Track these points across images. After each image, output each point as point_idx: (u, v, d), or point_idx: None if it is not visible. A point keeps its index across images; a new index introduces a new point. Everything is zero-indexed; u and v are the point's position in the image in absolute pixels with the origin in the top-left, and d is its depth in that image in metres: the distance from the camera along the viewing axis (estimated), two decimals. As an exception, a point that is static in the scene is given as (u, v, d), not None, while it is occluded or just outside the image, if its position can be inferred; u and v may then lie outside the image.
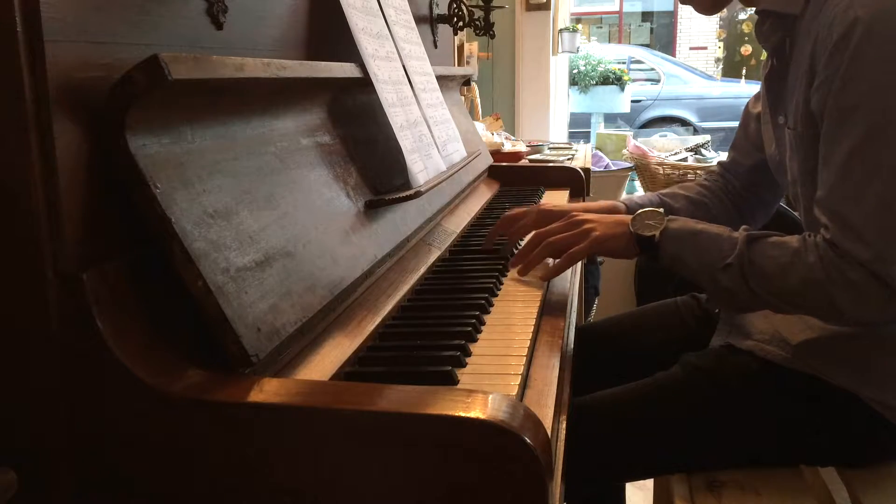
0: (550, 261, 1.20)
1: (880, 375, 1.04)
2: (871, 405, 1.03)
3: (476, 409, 0.59)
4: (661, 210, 1.12)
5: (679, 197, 1.37)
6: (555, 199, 1.83)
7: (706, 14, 1.19)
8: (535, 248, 1.16)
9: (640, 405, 1.11)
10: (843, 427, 1.06)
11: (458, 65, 2.88)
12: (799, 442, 1.08)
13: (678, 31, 13.71)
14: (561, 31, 5.24)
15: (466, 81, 2.26)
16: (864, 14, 0.91)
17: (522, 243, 1.25)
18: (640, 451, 1.11)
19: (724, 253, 1.02)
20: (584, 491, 1.29)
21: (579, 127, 7.11)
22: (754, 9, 1.11)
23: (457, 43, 2.71)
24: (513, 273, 1.20)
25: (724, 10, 1.25)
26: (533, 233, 1.20)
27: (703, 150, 3.41)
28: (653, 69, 9.44)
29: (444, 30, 1.99)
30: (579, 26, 5.89)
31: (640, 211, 1.13)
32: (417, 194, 1.11)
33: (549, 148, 3.16)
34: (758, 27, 1.11)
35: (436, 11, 1.90)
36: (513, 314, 1.02)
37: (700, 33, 13.08)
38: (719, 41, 11.72)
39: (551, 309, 1.08)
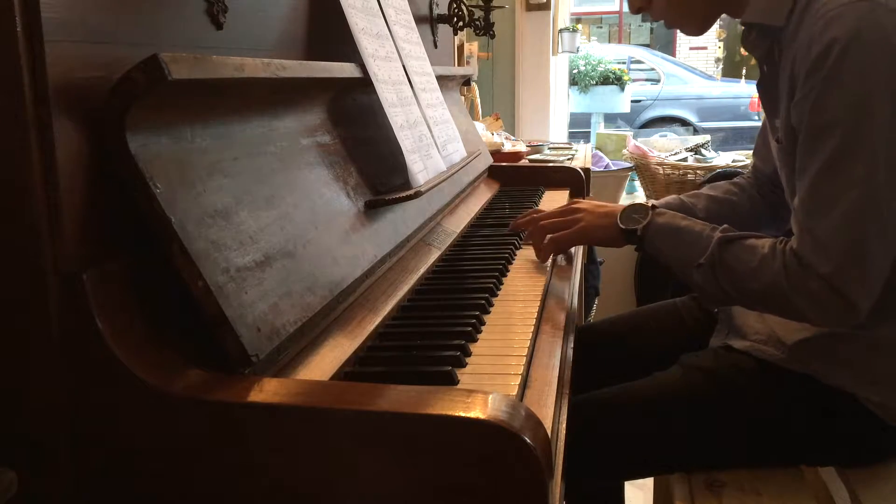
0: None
1: (876, 376, 1.04)
2: (868, 405, 1.04)
3: (476, 409, 0.59)
4: (649, 205, 1.16)
5: (702, 197, 1.38)
6: (555, 199, 1.83)
7: (693, 36, 1.20)
8: (528, 229, 1.28)
9: (639, 404, 1.12)
10: (840, 427, 1.06)
11: (458, 65, 2.87)
12: (796, 441, 1.08)
13: (678, 31, 13.68)
14: (561, 31, 5.24)
15: (466, 81, 2.26)
16: (840, 35, 0.92)
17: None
18: (639, 449, 1.11)
19: (700, 251, 1.05)
20: (583, 490, 1.29)
21: (579, 127, 7.10)
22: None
23: (457, 43, 2.71)
24: (513, 273, 1.21)
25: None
26: (530, 217, 1.31)
27: (703, 150, 3.41)
28: (653, 69, 9.42)
29: (444, 30, 1.99)
30: (579, 26, 5.87)
31: (629, 204, 1.18)
32: (417, 194, 1.11)
33: (549, 148, 3.16)
34: (745, 37, 1.13)
35: (436, 11, 1.90)
36: (513, 314, 1.02)
37: (700, 33, 13.04)
38: (719, 41, 11.69)
39: (551, 309, 1.08)
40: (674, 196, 1.41)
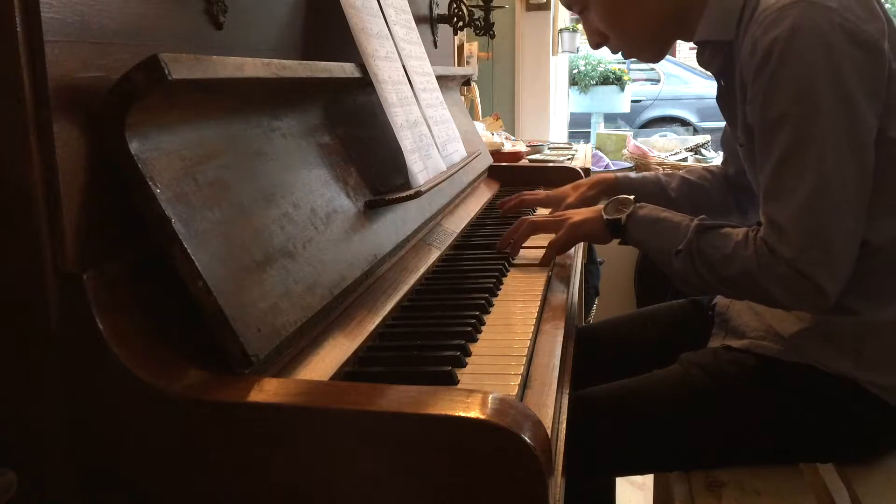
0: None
1: (875, 358, 1.05)
2: (869, 388, 1.05)
3: (476, 409, 0.59)
4: (632, 197, 1.21)
5: (677, 178, 1.47)
6: (555, 199, 1.83)
7: (652, 62, 1.27)
8: (520, 229, 1.29)
9: (638, 400, 1.13)
10: (843, 416, 1.07)
11: (458, 65, 2.87)
12: (798, 435, 1.08)
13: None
14: (561, 31, 5.24)
15: (466, 81, 2.26)
16: (780, 33, 0.97)
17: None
18: (639, 446, 1.12)
19: (678, 239, 1.10)
20: (581, 484, 1.29)
21: (579, 127, 7.10)
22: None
23: (457, 43, 2.70)
24: (513, 273, 1.21)
25: None
26: (521, 218, 1.33)
27: (703, 150, 3.41)
28: (653, 69, 9.40)
29: (444, 30, 1.99)
30: (579, 26, 5.88)
31: (614, 198, 1.23)
32: (417, 194, 1.11)
33: (549, 148, 3.16)
34: (699, 55, 1.18)
35: (436, 11, 1.90)
36: (513, 314, 1.02)
37: (700, 33, 13.06)
38: (719, 41, 11.68)
39: (551, 309, 1.08)
40: (652, 173, 1.48)
